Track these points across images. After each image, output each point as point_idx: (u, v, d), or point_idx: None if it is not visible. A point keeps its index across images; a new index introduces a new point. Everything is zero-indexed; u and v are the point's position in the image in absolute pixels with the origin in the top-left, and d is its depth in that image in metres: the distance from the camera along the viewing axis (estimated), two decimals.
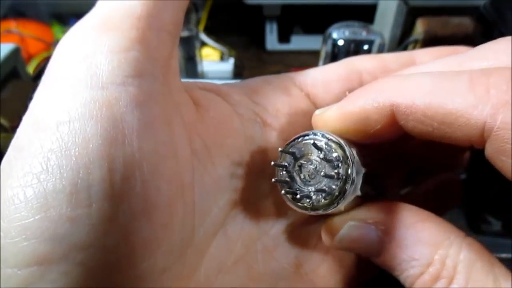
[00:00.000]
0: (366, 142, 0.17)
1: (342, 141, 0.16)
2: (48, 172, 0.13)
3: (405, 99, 0.15)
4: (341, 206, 0.16)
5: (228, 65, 0.66)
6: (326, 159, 0.16)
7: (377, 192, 0.20)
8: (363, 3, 0.66)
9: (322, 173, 0.16)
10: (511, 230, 0.44)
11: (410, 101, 0.15)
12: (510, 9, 0.52)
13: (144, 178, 0.14)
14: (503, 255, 0.40)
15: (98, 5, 0.16)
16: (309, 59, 0.68)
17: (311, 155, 0.16)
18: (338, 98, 0.20)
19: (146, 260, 0.14)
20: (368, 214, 0.17)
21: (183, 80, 0.18)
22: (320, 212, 0.16)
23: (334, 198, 0.16)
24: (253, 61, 0.71)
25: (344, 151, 0.16)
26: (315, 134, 0.17)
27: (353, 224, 0.18)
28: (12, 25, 0.63)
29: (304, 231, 0.20)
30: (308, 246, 0.20)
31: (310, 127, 0.20)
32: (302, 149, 0.17)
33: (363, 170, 0.16)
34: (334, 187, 0.16)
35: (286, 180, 0.17)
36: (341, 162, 0.16)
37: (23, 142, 0.14)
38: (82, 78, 0.14)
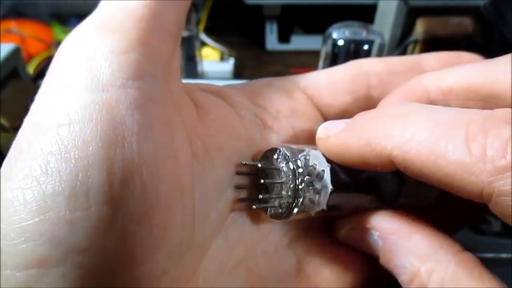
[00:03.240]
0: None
1: (301, 159, 0.17)
2: (47, 174, 0.13)
3: (401, 152, 0.14)
4: (294, 217, 0.17)
5: (228, 65, 0.65)
6: (282, 174, 0.17)
7: (380, 199, 0.20)
8: (363, 3, 0.66)
9: (276, 187, 0.18)
10: (511, 230, 0.44)
11: (406, 155, 0.14)
12: (510, 9, 0.52)
13: (144, 182, 0.14)
14: (503, 255, 0.40)
15: (99, 6, 0.16)
16: (309, 59, 0.68)
17: (273, 168, 0.18)
18: (344, 102, 0.21)
19: (145, 263, 0.14)
20: (366, 219, 0.18)
21: (184, 80, 0.18)
22: (281, 220, 0.18)
23: (284, 211, 0.17)
24: (253, 61, 0.71)
25: (294, 168, 0.17)
26: (280, 150, 0.18)
27: (351, 227, 0.19)
28: (12, 25, 0.63)
29: (306, 235, 0.20)
30: (310, 250, 0.20)
31: (311, 130, 0.20)
32: (268, 161, 0.18)
33: (329, 187, 0.17)
34: (285, 201, 0.17)
35: (247, 186, 0.18)
36: (291, 179, 0.17)
37: (23, 144, 0.13)
38: (83, 81, 0.14)
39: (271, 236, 0.19)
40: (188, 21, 0.58)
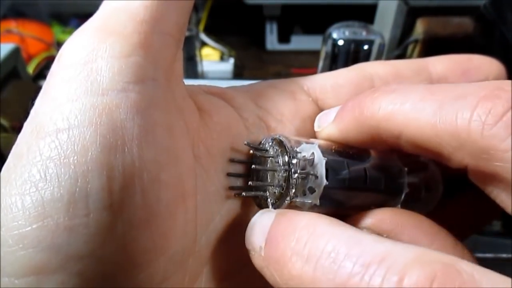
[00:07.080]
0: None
1: (294, 150, 0.17)
2: (46, 180, 0.12)
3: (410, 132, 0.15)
4: (284, 207, 0.17)
5: (228, 65, 0.66)
6: (275, 165, 0.17)
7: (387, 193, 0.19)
8: (363, 3, 0.66)
9: (270, 175, 0.17)
10: (511, 230, 0.44)
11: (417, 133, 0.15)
12: (510, 9, 0.52)
13: (144, 187, 0.13)
14: (503, 255, 0.40)
15: (101, 8, 0.16)
16: (309, 59, 0.68)
17: (267, 156, 0.17)
18: None
19: (145, 270, 0.14)
20: (374, 223, 0.17)
21: (184, 81, 0.18)
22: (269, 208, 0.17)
23: (275, 200, 0.17)
24: (253, 61, 0.71)
25: (290, 157, 0.16)
26: (274, 139, 0.17)
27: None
28: (12, 25, 0.63)
29: None
30: None
31: (315, 133, 0.20)
32: (264, 149, 0.18)
33: (324, 182, 0.17)
34: (276, 190, 0.17)
35: (239, 174, 0.18)
36: (284, 170, 0.16)
37: (22, 149, 0.13)
38: (83, 84, 0.14)
39: None
40: (188, 21, 0.58)
